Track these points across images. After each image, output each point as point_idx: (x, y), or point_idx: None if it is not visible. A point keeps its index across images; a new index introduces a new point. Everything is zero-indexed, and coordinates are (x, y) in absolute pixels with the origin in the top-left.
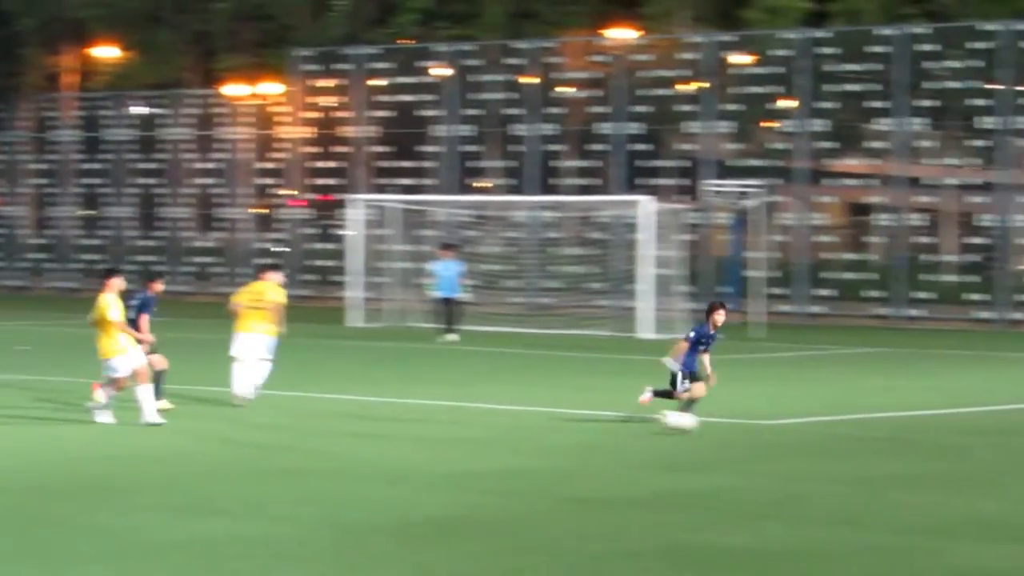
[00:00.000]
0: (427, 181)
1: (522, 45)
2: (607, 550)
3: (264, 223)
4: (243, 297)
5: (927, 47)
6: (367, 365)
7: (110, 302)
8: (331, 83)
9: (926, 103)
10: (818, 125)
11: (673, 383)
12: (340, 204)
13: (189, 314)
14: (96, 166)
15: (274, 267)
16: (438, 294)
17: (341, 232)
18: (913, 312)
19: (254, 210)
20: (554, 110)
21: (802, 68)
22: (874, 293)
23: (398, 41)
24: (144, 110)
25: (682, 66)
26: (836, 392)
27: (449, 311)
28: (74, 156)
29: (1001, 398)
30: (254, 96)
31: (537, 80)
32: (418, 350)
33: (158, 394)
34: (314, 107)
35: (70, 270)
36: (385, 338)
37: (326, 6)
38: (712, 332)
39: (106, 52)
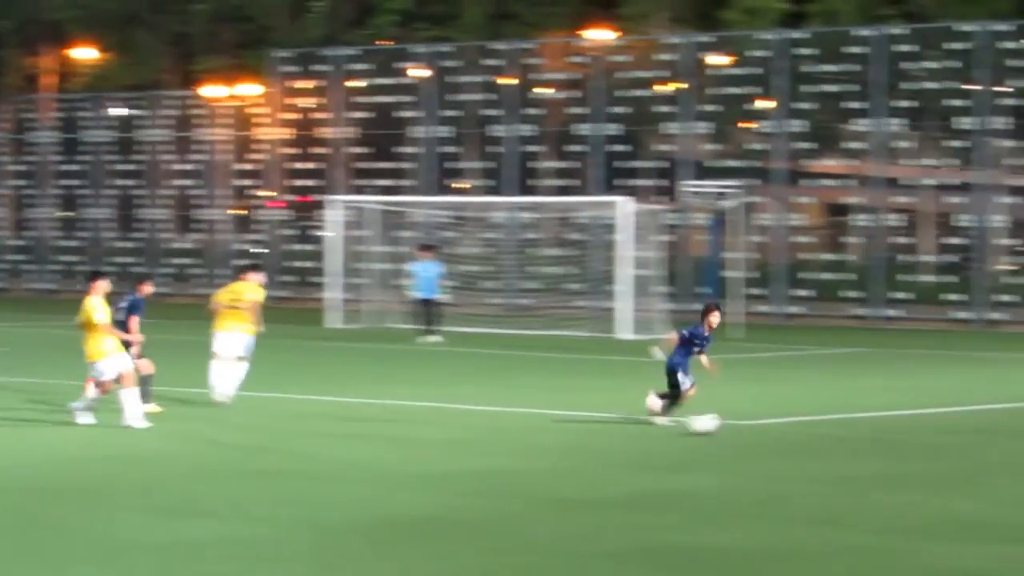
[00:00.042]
0: (405, 182)
1: (500, 46)
2: (586, 551)
3: (243, 224)
4: (223, 296)
5: (904, 48)
6: (346, 366)
7: (96, 305)
8: (309, 84)
9: (903, 104)
10: (796, 126)
11: (673, 384)
12: (319, 205)
13: (168, 315)
14: (74, 167)
15: (255, 267)
16: (417, 295)
17: (320, 233)
18: (891, 312)
19: (233, 211)
20: (532, 111)
21: (780, 69)
22: (852, 293)
23: (376, 42)
24: (122, 111)
25: (660, 67)
26: (815, 392)
27: (428, 312)
28: (52, 157)
29: (979, 398)
30: (232, 97)
31: (515, 81)
32: (397, 351)
33: (145, 397)
34: (292, 108)
35: (48, 271)
36: (364, 339)
37: (304, 7)
38: (707, 334)
39: (84, 53)
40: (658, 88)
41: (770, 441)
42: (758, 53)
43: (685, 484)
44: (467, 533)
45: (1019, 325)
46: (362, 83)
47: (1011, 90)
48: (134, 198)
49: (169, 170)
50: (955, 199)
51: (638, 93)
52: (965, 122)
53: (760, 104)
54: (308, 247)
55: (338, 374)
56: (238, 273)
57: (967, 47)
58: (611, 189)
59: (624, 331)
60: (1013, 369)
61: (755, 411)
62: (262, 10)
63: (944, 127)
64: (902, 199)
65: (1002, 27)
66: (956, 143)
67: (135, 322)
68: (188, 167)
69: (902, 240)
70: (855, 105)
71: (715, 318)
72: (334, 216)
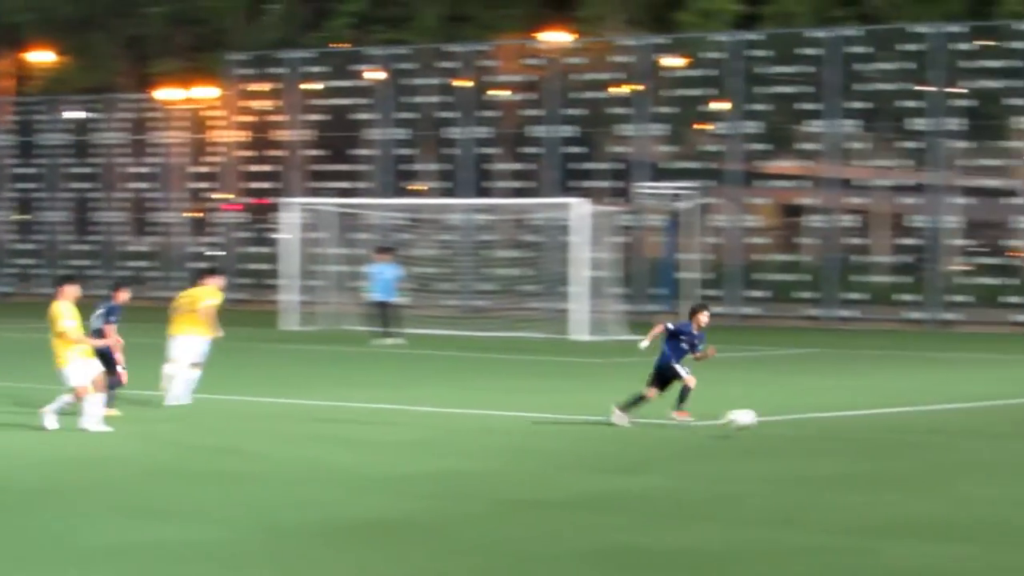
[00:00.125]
0: (361, 184)
1: (456, 48)
2: (541, 552)
3: (199, 227)
4: (180, 301)
5: (858, 49)
6: (303, 368)
7: (63, 311)
8: (265, 87)
9: (857, 105)
10: (750, 127)
11: (669, 377)
12: (275, 208)
13: (124, 318)
14: (30, 170)
15: (214, 272)
16: (374, 297)
17: (276, 236)
18: (845, 313)
19: (189, 214)
20: (488, 113)
21: (734, 70)
22: (806, 294)
23: (332, 45)
24: (78, 114)
25: (615, 69)
26: (769, 393)
27: (384, 314)
28: (8, 161)
29: (933, 398)
30: (188, 100)
31: (471, 83)
32: (353, 353)
33: (108, 401)
34: (248, 111)
35: (4, 275)
36: (320, 341)
37: (260, 10)
38: (696, 332)
39: (40, 57)
40: (613, 90)
41: (723, 442)
42: (712, 55)
43: (638, 485)
44: (423, 535)
45: (972, 325)
46: (318, 86)
47: (964, 91)
48: (90, 201)
49: (125, 173)
50: (909, 200)
51: (593, 95)
52: (919, 123)
53: (715, 106)
54: (264, 250)
55: (295, 376)
56: (197, 278)
57: (921, 48)
58: (566, 191)
59: (579, 332)
60: (966, 369)
61: (708, 412)
62: (217, 13)
63: (898, 128)
64: (856, 200)
65: (955, 28)
66: (910, 144)
67: (111, 329)
68: (144, 170)
69: (856, 241)
70: (809, 106)
71: (704, 317)
72: (290, 218)
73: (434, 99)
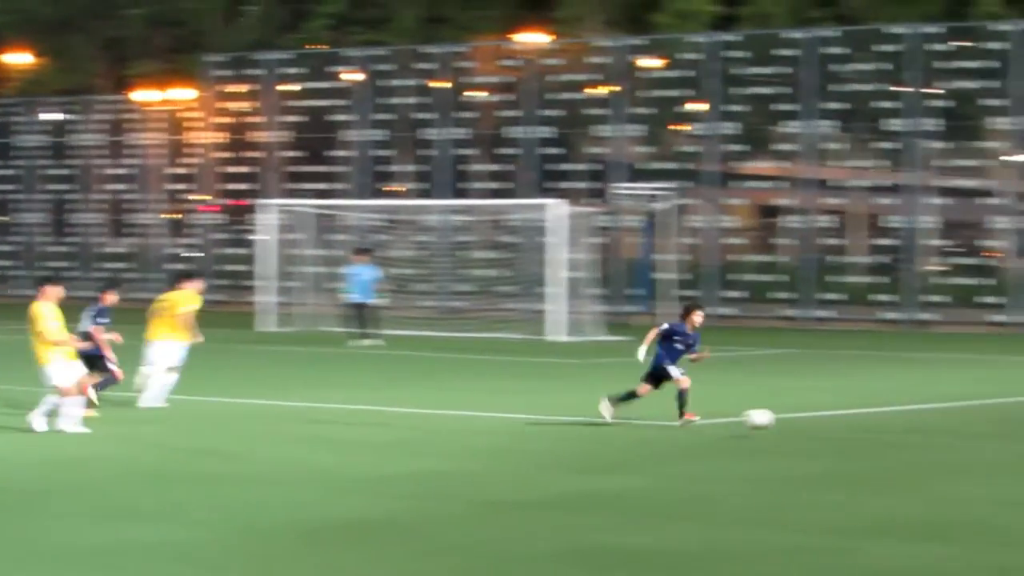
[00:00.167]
0: (339, 186)
1: (433, 50)
2: (519, 552)
3: (176, 228)
4: (159, 305)
5: (835, 50)
6: (280, 369)
7: (44, 311)
8: (243, 88)
9: (834, 106)
10: (727, 128)
11: (663, 377)
12: (252, 209)
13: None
14: (8, 172)
15: (191, 275)
16: (351, 298)
17: (253, 237)
18: (821, 313)
19: (166, 215)
20: (465, 114)
21: (711, 72)
22: (783, 295)
23: (309, 46)
24: (56, 116)
25: (592, 70)
26: (745, 393)
27: (362, 316)
28: None
29: (909, 398)
30: (166, 102)
31: (448, 84)
32: (330, 354)
33: (88, 402)
34: (226, 112)
35: None
36: (297, 342)
37: (238, 12)
38: (690, 332)
39: (18, 58)
40: (590, 91)
41: (700, 442)
42: (689, 56)
43: (616, 485)
44: (401, 535)
45: (948, 325)
46: (295, 87)
47: (941, 92)
48: (67, 203)
49: (102, 175)
50: (885, 200)
51: (570, 96)
52: (895, 124)
53: (691, 107)
54: (241, 251)
55: (272, 378)
56: (175, 281)
57: (897, 49)
58: (543, 192)
59: (556, 333)
60: (942, 369)
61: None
62: (195, 15)
63: (874, 129)
64: (832, 200)
65: (931, 29)
66: (886, 145)
67: (99, 330)
68: (121, 171)
69: (833, 241)
70: (786, 107)
71: (698, 317)
72: (267, 220)
73: (411, 100)
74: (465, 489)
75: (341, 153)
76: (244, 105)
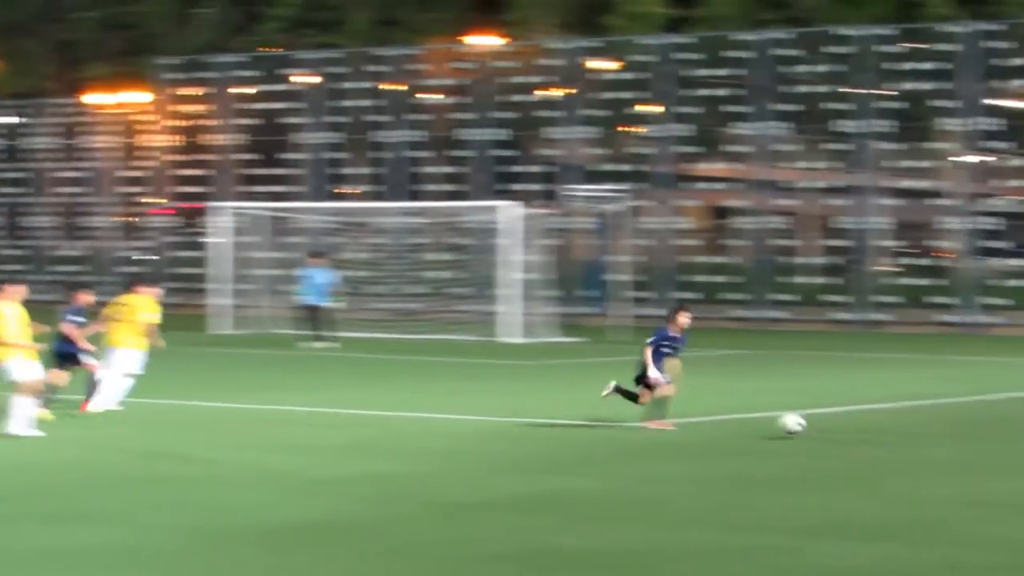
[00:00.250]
0: (293, 188)
1: (386, 52)
2: (471, 554)
3: (130, 231)
4: (115, 309)
5: (786, 52)
6: (234, 372)
7: (5, 311)
8: (196, 91)
9: (786, 107)
10: (680, 130)
11: (641, 379)
12: (206, 212)
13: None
14: None
15: (146, 280)
16: (304, 301)
17: (207, 240)
18: (774, 314)
19: (120, 218)
20: (418, 117)
21: (664, 73)
22: (735, 296)
23: (263, 49)
24: (9, 119)
25: (545, 72)
26: (696, 394)
27: (316, 318)
28: None
29: (860, 398)
30: (119, 105)
31: (401, 87)
32: (285, 357)
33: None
34: (179, 115)
35: None
36: (250, 345)
37: (191, 15)
38: (676, 335)
39: None
40: (542, 93)
41: (650, 443)
42: (642, 58)
43: (566, 486)
44: (352, 537)
45: (900, 326)
46: (249, 90)
47: (892, 93)
48: (20, 206)
49: (56, 178)
50: (837, 201)
51: (522, 98)
52: (846, 125)
53: (644, 108)
54: (195, 254)
55: (227, 380)
56: (129, 285)
57: (848, 51)
58: (496, 194)
59: (510, 335)
60: (895, 369)
61: (635, 414)
62: (148, 18)
63: (826, 130)
64: (785, 202)
65: (883, 31)
66: (838, 146)
67: (71, 329)
68: (75, 175)
69: (785, 242)
70: (738, 109)
71: (683, 318)
72: (221, 222)
73: (364, 103)
74: (419, 490)
75: (294, 156)
76: (197, 108)
